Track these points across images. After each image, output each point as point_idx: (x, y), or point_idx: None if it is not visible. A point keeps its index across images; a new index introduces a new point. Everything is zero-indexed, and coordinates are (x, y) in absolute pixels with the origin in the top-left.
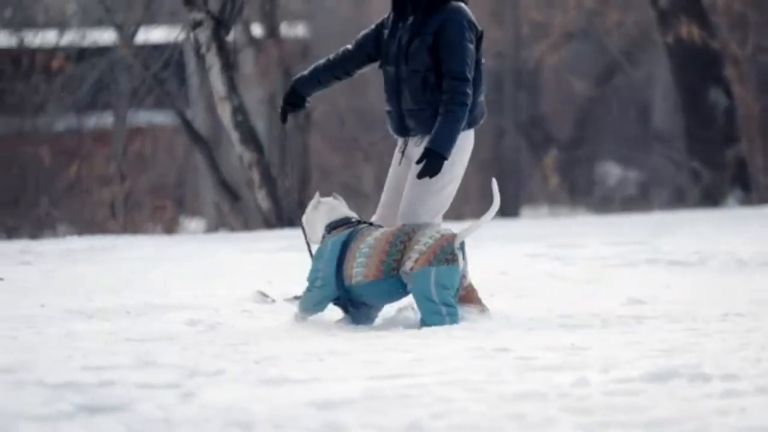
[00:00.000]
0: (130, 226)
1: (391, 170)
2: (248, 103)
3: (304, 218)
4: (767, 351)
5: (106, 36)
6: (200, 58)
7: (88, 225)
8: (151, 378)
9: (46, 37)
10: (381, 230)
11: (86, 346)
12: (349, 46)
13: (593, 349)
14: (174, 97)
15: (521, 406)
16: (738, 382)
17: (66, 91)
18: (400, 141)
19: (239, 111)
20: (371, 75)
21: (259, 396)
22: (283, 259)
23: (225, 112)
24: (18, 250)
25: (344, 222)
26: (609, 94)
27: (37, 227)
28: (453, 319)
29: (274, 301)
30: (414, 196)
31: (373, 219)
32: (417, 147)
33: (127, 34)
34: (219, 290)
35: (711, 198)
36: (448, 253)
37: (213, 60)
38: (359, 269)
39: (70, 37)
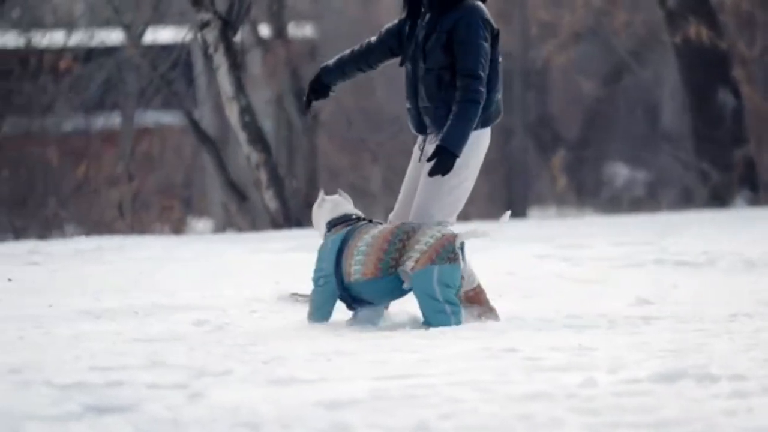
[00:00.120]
0: (138, 227)
1: (409, 167)
2: (256, 103)
3: (312, 216)
4: None
5: (114, 36)
6: (208, 58)
7: (96, 225)
8: (158, 378)
9: (54, 38)
10: (379, 228)
11: (94, 346)
12: (373, 39)
13: (601, 349)
14: (182, 97)
15: (529, 406)
16: (746, 382)
17: (74, 91)
18: (419, 138)
19: (247, 111)
20: (378, 75)
21: (267, 396)
22: (291, 260)
23: (232, 113)
24: (26, 251)
25: (345, 219)
26: (617, 95)
27: (45, 227)
28: (457, 317)
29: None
30: (427, 195)
31: (391, 216)
32: (431, 145)
33: (134, 34)
34: (227, 290)
35: (719, 198)
36: (449, 252)
37: (220, 60)
38: (357, 267)
39: (78, 38)
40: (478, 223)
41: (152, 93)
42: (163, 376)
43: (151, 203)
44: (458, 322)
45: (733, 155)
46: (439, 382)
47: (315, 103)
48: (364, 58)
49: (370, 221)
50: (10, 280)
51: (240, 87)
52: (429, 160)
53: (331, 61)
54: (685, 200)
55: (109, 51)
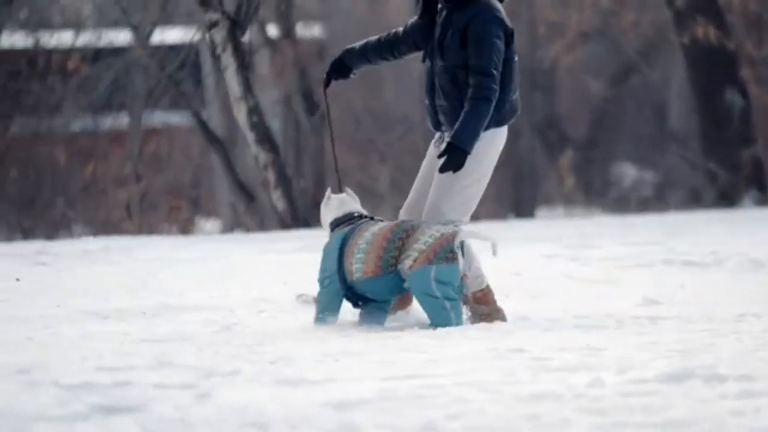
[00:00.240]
0: (146, 227)
1: (423, 163)
2: (264, 103)
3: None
4: None
5: (121, 36)
6: (216, 58)
7: (104, 225)
8: (166, 378)
9: (62, 38)
10: (379, 225)
11: (102, 346)
12: (400, 29)
13: (608, 349)
14: (189, 97)
15: (537, 406)
16: (754, 382)
17: (82, 91)
18: (437, 134)
19: (255, 111)
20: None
21: (274, 396)
22: (299, 260)
23: (240, 113)
24: (34, 251)
25: (348, 218)
26: (625, 95)
27: (53, 228)
28: (457, 313)
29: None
30: (438, 193)
31: (401, 211)
32: (445, 142)
33: (142, 34)
34: (234, 291)
35: (727, 198)
36: (448, 252)
37: (228, 60)
38: (358, 265)
39: (86, 38)
40: (485, 224)
41: (160, 93)
42: (170, 376)
43: (159, 203)
44: (458, 318)
45: (741, 155)
46: (447, 383)
47: (333, 83)
48: (390, 48)
49: (371, 219)
50: (18, 280)
51: (248, 87)
52: (440, 156)
53: (356, 45)
54: (693, 200)
55: (117, 51)
